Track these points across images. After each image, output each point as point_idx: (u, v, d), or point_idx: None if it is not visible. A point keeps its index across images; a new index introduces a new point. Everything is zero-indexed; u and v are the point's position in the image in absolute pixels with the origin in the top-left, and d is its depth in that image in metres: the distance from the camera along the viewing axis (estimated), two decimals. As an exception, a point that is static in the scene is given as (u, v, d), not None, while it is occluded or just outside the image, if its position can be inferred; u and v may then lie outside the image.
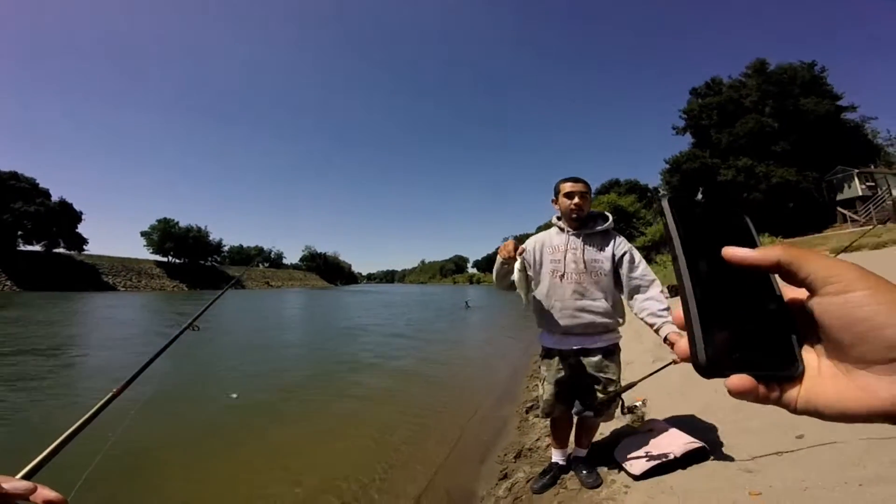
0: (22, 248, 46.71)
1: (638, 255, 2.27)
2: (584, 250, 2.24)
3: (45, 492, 0.38)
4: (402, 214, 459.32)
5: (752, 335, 0.29)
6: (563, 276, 2.23)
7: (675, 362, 2.08)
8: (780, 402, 0.29)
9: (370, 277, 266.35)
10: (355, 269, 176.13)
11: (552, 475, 2.57)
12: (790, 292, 0.30)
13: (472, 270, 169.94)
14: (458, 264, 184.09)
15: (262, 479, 3.10)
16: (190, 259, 67.25)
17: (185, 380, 6.19)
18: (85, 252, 52.59)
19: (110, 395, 1.09)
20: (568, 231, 2.31)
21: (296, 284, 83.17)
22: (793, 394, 0.28)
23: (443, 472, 3.22)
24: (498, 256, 2.16)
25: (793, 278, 0.27)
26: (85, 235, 52.83)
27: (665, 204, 0.32)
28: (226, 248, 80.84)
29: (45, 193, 48.90)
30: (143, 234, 65.08)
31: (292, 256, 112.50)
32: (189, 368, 6.85)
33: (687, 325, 0.29)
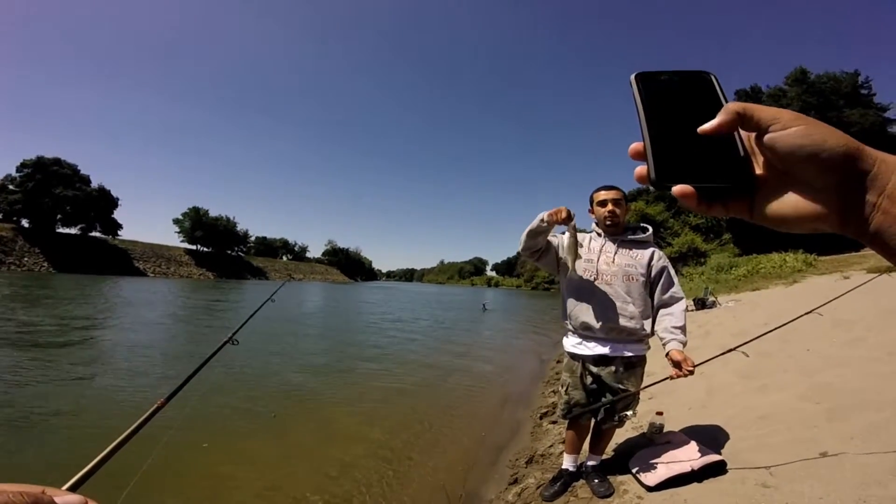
0: (60, 230, 49.01)
1: (674, 274, 2.28)
2: (618, 255, 2.24)
3: None
4: (425, 214, 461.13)
5: (703, 159, 0.36)
6: (595, 278, 2.23)
7: (671, 378, 2.09)
8: (731, 212, 0.37)
9: (389, 275, 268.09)
10: (376, 265, 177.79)
11: (563, 482, 2.55)
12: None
13: (490, 273, 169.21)
14: (477, 266, 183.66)
15: (274, 478, 3.13)
16: (217, 248, 69.15)
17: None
18: (119, 237, 54.79)
19: (154, 407, 1.12)
20: (604, 236, 2.32)
21: (317, 278, 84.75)
22: (744, 206, 0.37)
23: (453, 473, 3.24)
24: (540, 216, 2.10)
25: (748, 124, 0.35)
26: (120, 221, 55.05)
27: (632, 78, 0.40)
28: (252, 239, 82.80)
29: (86, 179, 51.16)
30: (176, 221, 67.35)
31: (315, 250, 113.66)
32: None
33: (645, 153, 0.37)
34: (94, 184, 52.16)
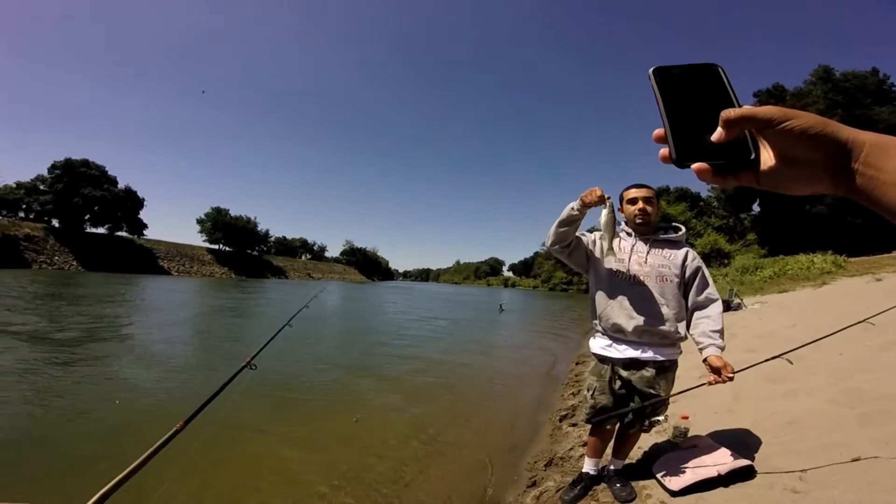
0: (89, 230, 50.72)
1: (709, 274, 2.20)
2: (650, 255, 2.17)
3: None
4: (441, 214, 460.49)
5: (714, 143, 0.43)
6: (627, 278, 2.16)
7: (709, 384, 2.01)
8: (742, 182, 0.45)
9: (406, 275, 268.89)
10: (392, 265, 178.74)
11: (583, 486, 2.49)
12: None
13: (507, 274, 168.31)
14: (493, 267, 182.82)
15: (287, 477, 3.14)
16: (238, 248, 70.60)
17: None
18: (144, 237, 56.44)
19: (173, 430, 1.15)
20: (635, 235, 2.25)
21: (335, 277, 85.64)
22: (752, 176, 0.44)
23: (471, 475, 3.24)
24: (572, 204, 2.05)
25: (751, 125, 0.42)
26: (145, 221, 56.70)
27: (650, 73, 0.47)
28: (272, 239, 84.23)
29: (113, 181, 52.92)
30: (199, 221, 69.02)
31: (334, 250, 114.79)
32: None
33: (666, 137, 0.44)
34: (121, 184, 53.87)
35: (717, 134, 0.43)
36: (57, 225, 47.29)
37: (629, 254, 2.20)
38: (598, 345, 2.29)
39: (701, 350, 2.05)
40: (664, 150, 0.45)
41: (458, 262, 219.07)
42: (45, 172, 48.22)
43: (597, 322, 2.27)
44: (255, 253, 74.92)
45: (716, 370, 1.96)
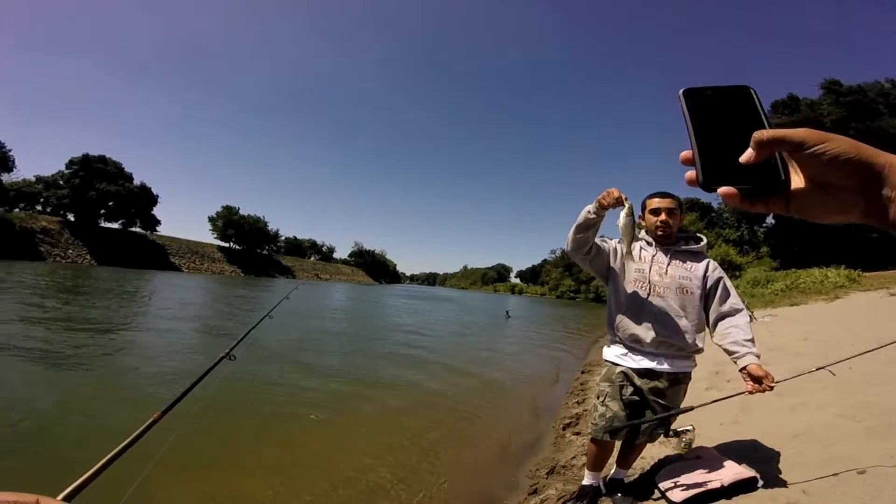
0: (103, 224, 51.55)
1: (731, 285, 2.17)
2: (671, 266, 2.14)
3: None
4: (449, 219, 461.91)
5: (743, 165, 0.42)
6: (647, 289, 2.13)
7: (749, 392, 1.96)
8: (771, 208, 0.43)
9: (413, 278, 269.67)
10: (399, 268, 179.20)
11: (589, 499, 2.44)
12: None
13: (514, 280, 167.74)
14: (500, 273, 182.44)
15: (290, 477, 3.12)
16: (248, 246, 71.25)
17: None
18: (157, 233, 57.23)
19: (151, 420, 1.13)
20: (655, 245, 2.22)
21: (343, 279, 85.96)
22: (781, 203, 0.43)
23: (471, 480, 3.22)
24: (589, 206, 2.01)
25: (783, 147, 0.41)
26: (158, 217, 57.51)
27: (680, 94, 0.46)
28: (282, 239, 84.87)
29: (129, 177, 53.73)
30: (211, 219, 69.82)
31: (342, 251, 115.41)
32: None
33: (693, 159, 0.43)
34: (137, 181, 54.72)
35: (747, 155, 0.41)
36: (72, 219, 48.12)
37: (649, 264, 2.16)
38: (614, 353, 2.27)
39: (736, 359, 2.00)
40: (691, 173, 0.44)
41: (465, 268, 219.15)
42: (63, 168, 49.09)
43: (614, 331, 2.24)
44: (264, 252, 75.50)
45: (757, 379, 1.91)
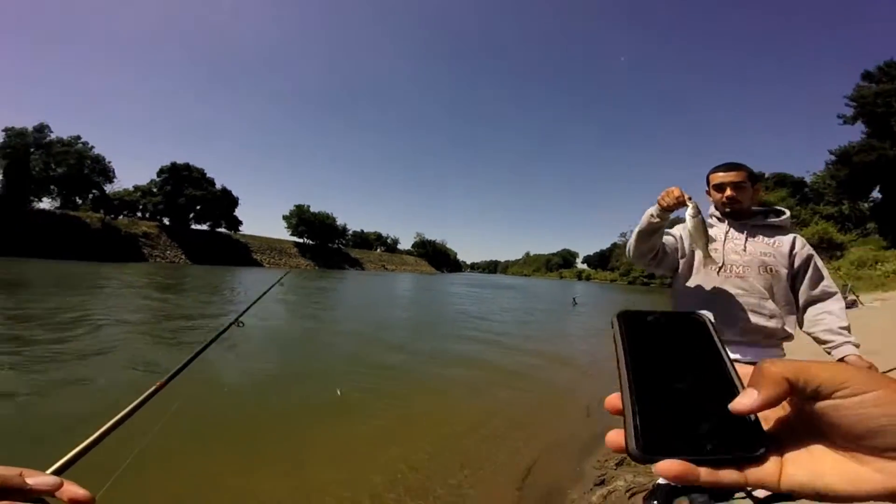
0: (193, 227, 57.33)
1: (822, 265, 1.92)
2: (749, 242, 1.91)
3: (71, 488, 0.36)
4: (510, 205, 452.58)
5: (701, 423, 0.29)
6: (721, 268, 1.90)
7: None
8: (751, 481, 0.28)
9: (473, 266, 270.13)
10: (460, 257, 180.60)
11: (663, 496, 2.33)
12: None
13: (581, 266, 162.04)
14: (565, 258, 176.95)
15: (341, 467, 3.22)
16: (320, 241, 75.71)
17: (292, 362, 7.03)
18: (240, 232, 62.56)
19: (153, 388, 1.08)
20: (727, 221, 1.98)
21: (408, 269, 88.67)
22: (767, 473, 0.28)
23: (535, 471, 3.20)
24: (648, 211, 1.82)
25: (801, 391, 0.27)
26: (240, 217, 62.79)
27: (614, 319, 0.35)
28: (349, 233, 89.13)
29: (211, 182, 59.07)
30: (285, 217, 75.04)
31: (406, 242, 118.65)
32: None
33: (624, 413, 0.29)
34: (218, 185, 60.05)
35: (749, 402, 0.28)
36: (167, 223, 54.03)
37: (723, 242, 1.92)
38: None
39: (831, 349, 1.77)
40: (616, 436, 0.29)
41: (527, 254, 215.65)
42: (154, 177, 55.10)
43: None
44: (335, 246, 79.75)
45: None
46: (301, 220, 73.79)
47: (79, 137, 43.67)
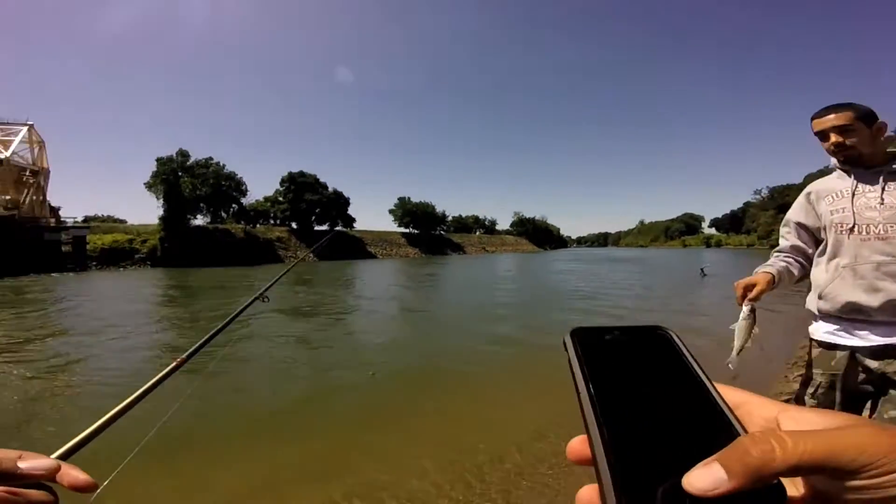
0: (316, 228, 63.96)
1: None
2: (887, 193, 1.48)
3: (72, 472, 0.33)
4: (616, 171, 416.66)
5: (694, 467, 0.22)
6: (853, 228, 1.50)
7: None
8: None
9: (580, 241, 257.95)
10: (564, 232, 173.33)
11: None
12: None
13: (708, 230, 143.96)
14: (688, 224, 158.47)
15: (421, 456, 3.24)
16: (423, 229, 79.30)
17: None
18: (354, 228, 68.28)
19: (172, 366, 1.03)
20: (853, 173, 1.57)
21: (508, 249, 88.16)
22: None
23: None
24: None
25: (817, 470, 0.21)
26: (353, 215, 68.45)
27: (566, 338, 0.29)
28: (449, 218, 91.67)
29: (324, 185, 65.24)
30: (391, 211, 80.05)
31: (504, 223, 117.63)
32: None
33: (595, 462, 0.23)
34: (330, 188, 66.02)
35: (712, 482, 0.21)
36: (294, 226, 61.10)
37: (850, 198, 1.52)
38: (823, 329, 1.61)
39: None
40: (588, 497, 0.25)
41: (641, 223, 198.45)
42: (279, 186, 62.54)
43: (820, 301, 1.58)
44: (436, 233, 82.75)
45: None
46: (405, 211, 77.84)
47: (211, 158, 51.17)
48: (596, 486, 0.23)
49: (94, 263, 34.77)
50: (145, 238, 39.70)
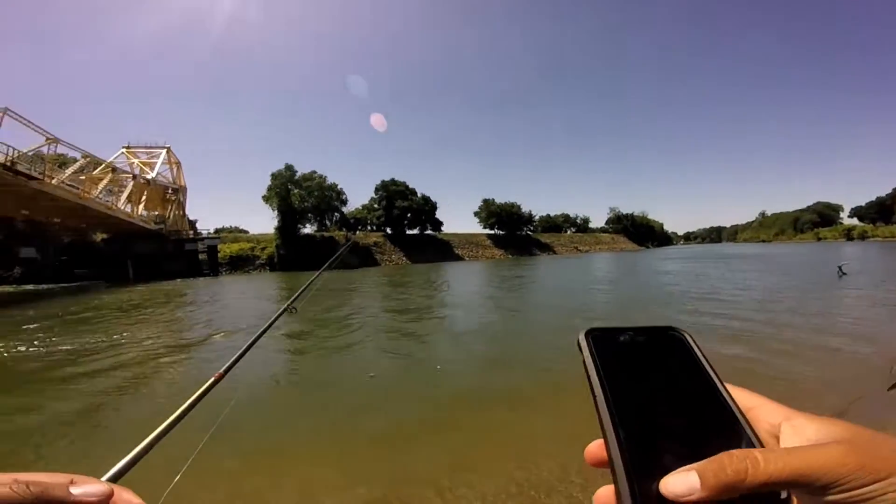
0: (408, 232, 66.83)
1: None
2: None
3: (125, 495, 0.32)
4: (727, 157, 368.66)
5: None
6: None
7: None
8: None
9: (688, 237, 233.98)
10: (668, 227, 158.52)
11: None
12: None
13: (848, 221, 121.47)
14: (823, 214, 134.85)
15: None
16: (509, 230, 78.49)
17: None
18: (442, 232, 70.07)
19: (211, 381, 1.04)
20: None
21: (603, 248, 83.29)
22: None
23: None
24: None
25: (797, 486, 0.23)
26: (440, 219, 70.31)
27: (580, 338, 0.30)
28: (536, 218, 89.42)
29: (413, 192, 67.90)
30: (475, 213, 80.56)
31: (598, 220, 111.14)
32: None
33: (612, 464, 0.25)
34: (419, 194, 68.54)
35: (685, 489, 0.23)
36: (389, 232, 64.57)
37: None
38: None
39: None
40: (605, 499, 0.26)
41: (762, 215, 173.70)
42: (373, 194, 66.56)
43: None
44: (523, 233, 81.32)
45: None
46: (490, 212, 77.80)
47: (315, 171, 56.22)
48: (611, 486, 0.25)
49: (224, 269, 40.62)
50: (264, 246, 45.24)
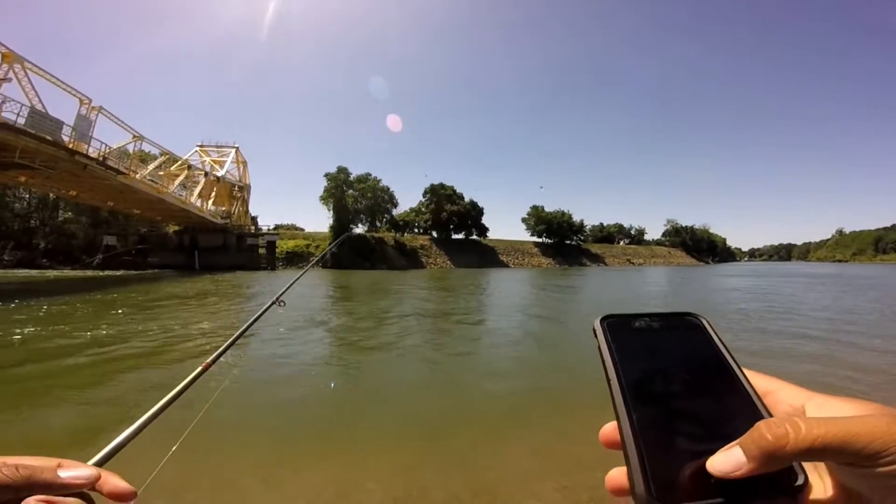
0: (453, 237, 67.11)
1: None
2: None
3: (112, 479, 0.33)
4: (797, 169, 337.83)
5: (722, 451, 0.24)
6: None
7: None
8: None
9: (754, 254, 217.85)
10: (731, 243, 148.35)
11: None
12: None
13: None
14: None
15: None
16: (558, 239, 76.71)
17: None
18: (488, 237, 69.70)
19: (198, 371, 1.04)
20: None
21: (659, 262, 79.41)
22: None
23: None
24: None
25: (833, 457, 0.23)
26: (486, 224, 70.01)
27: (596, 324, 0.31)
28: (587, 228, 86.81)
29: (461, 196, 68.09)
30: (523, 219, 79.48)
31: (654, 232, 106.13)
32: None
33: (624, 446, 0.25)
34: (466, 199, 68.63)
35: (733, 467, 0.23)
36: (435, 235, 65.18)
37: None
38: None
39: None
40: (617, 479, 0.26)
41: (839, 232, 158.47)
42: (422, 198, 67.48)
43: None
44: (573, 243, 79.21)
45: None
46: (538, 219, 76.41)
47: (369, 174, 58.05)
48: (624, 468, 0.25)
49: (281, 263, 42.76)
50: (318, 243, 47.17)
